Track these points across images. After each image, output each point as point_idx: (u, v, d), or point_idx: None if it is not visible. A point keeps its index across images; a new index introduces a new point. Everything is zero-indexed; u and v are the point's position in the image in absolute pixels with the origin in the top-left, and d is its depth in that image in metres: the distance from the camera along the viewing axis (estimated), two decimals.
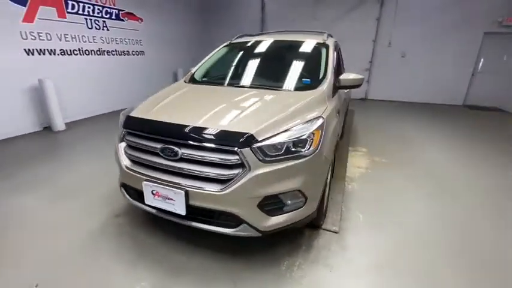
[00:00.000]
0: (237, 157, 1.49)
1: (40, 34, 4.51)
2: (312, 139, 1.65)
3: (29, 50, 4.38)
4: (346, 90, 3.22)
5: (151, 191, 1.65)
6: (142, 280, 1.69)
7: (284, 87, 2.27)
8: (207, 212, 1.59)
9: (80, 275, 1.73)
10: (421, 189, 2.87)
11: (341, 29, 7.78)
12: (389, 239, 2.11)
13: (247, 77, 2.55)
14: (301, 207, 1.68)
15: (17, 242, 2.04)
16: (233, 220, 1.57)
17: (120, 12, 5.96)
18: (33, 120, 4.56)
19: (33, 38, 4.42)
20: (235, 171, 1.51)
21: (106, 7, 5.62)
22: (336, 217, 2.35)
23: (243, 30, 7.70)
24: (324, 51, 2.68)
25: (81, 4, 5.10)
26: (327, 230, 2.18)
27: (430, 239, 2.12)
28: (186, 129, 1.59)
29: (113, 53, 5.91)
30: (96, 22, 5.46)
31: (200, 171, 1.55)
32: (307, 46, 2.83)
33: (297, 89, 2.24)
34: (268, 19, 8.50)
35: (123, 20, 6.05)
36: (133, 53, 6.44)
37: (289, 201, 1.64)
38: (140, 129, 1.72)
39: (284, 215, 1.64)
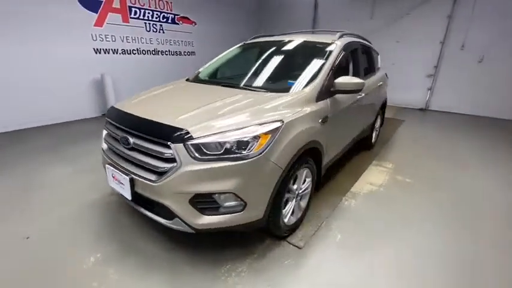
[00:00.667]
0: (171, 151, 1.53)
1: (107, 36, 5.41)
2: (256, 142, 1.58)
3: (96, 49, 5.31)
4: (361, 95, 2.88)
5: (111, 174, 1.84)
6: (98, 252, 1.90)
7: (264, 88, 2.20)
8: (150, 200, 1.69)
9: (57, 237, 2.05)
10: (438, 222, 2.36)
11: (402, 29, 6.94)
12: (355, 271, 1.82)
13: (237, 77, 2.56)
14: (240, 211, 1.62)
15: (28, 200, 2.53)
16: (167, 212, 1.62)
17: (176, 16, 6.64)
18: (94, 108, 5.52)
19: (101, 39, 5.33)
20: (170, 165, 1.56)
21: (163, 12, 6.34)
22: (309, 232, 2.16)
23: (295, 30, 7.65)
24: (324, 52, 2.48)
25: (142, 10, 5.89)
26: (290, 243, 2.03)
27: None
28: (137, 121, 1.72)
29: (166, 53, 6.63)
30: (154, 26, 6.21)
31: (143, 161, 1.66)
32: (309, 47, 2.66)
33: (276, 90, 2.13)
34: (320, 19, 8.17)
35: (177, 24, 6.72)
36: (185, 53, 7.09)
37: (225, 203, 1.60)
38: (112, 118, 1.94)
39: (220, 216, 1.61)
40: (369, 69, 3.58)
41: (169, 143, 1.53)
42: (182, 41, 6.96)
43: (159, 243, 2.00)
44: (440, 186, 2.98)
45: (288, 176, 1.81)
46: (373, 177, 3.20)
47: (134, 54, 5.96)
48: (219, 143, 1.54)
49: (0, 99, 4.31)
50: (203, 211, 1.59)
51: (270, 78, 2.38)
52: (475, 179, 3.19)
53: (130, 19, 5.71)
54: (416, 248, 2.03)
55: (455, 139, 4.69)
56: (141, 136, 1.67)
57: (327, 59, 2.38)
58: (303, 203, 2.22)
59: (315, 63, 2.36)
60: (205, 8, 7.26)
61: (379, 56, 4.16)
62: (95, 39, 5.23)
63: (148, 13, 6.02)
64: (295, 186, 2.01)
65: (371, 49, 3.66)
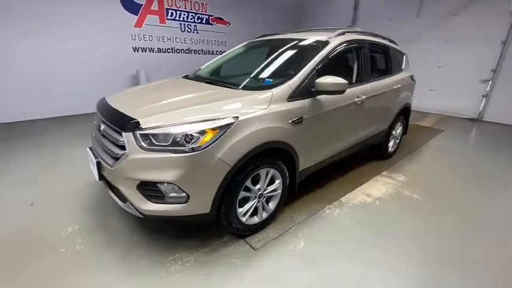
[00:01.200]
0: (123, 139, 1.66)
1: (145, 36, 5.96)
2: (201, 137, 1.60)
3: (135, 47, 5.89)
4: (360, 97, 2.65)
5: (89, 157, 2.06)
6: (77, 224, 2.15)
7: (241, 86, 2.19)
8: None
9: (51, 207, 2.37)
10: (422, 267, 2.02)
11: (452, 27, 6.12)
12: (297, 283, 1.70)
13: (227, 75, 2.60)
14: (184, 202, 1.66)
15: (43, 175, 2.96)
16: (121, 195, 1.76)
17: (210, 17, 6.96)
18: None
19: (139, 39, 5.90)
20: (122, 152, 1.68)
21: (198, 13, 6.71)
22: (272, 235, 2.10)
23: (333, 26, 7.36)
24: (313, 51, 2.36)
25: (178, 12, 6.33)
26: (247, 243, 2.00)
27: None
28: (108, 110, 1.90)
29: (199, 52, 7.01)
30: (188, 26, 6.62)
31: (106, 146, 1.82)
32: (302, 45, 2.56)
33: (251, 88, 2.11)
34: (360, 18, 7.67)
35: (211, 24, 7.04)
36: (217, 52, 7.38)
37: (169, 193, 1.66)
38: (96, 106, 2.17)
39: (165, 205, 1.67)
40: (383, 70, 3.27)
41: (121, 131, 1.66)
42: (215, 41, 7.26)
43: (128, 224, 2.17)
44: (455, 212, 2.55)
45: (242, 174, 1.79)
46: (374, 189, 2.92)
47: (169, 52, 6.44)
48: (166, 134, 1.61)
49: (51, 89, 5.11)
50: (149, 198, 1.68)
51: (253, 76, 2.37)
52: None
53: (166, 20, 6.20)
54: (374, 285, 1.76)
55: (505, 159, 3.97)
56: (106, 123, 1.85)
57: (312, 57, 2.27)
58: (272, 205, 2.17)
59: (298, 62, 2.27)
60: (240, 8, 7.44)
61: (404, 57, 3.76)
62: (134, 38, 5.82)
63: (184, 14, 6.44)
64: (257, 186, 1.97)
65: (388, 48, 3.33)
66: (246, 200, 1.98)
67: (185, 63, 6.80)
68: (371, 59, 2.95)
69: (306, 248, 1.99)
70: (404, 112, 3.76)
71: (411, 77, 3.78)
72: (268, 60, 2.53)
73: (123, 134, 1.65)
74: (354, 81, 2.74)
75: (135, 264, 1.79)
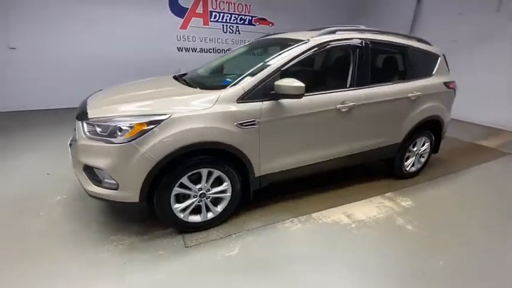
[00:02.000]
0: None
1: (188, 37, 6.49)
2: (129, 130, 1.71)
3: (179, 47, 6.48)
4: (346, 104, 2.35)
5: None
6: (65, 194, 2.56)
7: (202, 85, 2.20)
8: None
9: (63, 178, 2.85)
10: None
11: None
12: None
13: (200, 74, 2.62)
14: (116, 189, 1.81)
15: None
16: None
17: (253, 18, 7.08)
18: None
19: (184, 40, 6.46)
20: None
21: (241, 15, 6.92)
22: (211, 236, 2.08)
23: (391, 27, 6.58)
24: (286, 51, 2.21)
25: (221, 14, 6.67)
26: (183, 239, 2.03)
27: None
28: (82, 103, 2.18)
29: None
30: (231, 27, 6.90)
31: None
32: (282, 45, 2.41)
33: (208, 87, 2.12)
34: (423, 14, 6.62)
35: (254, 25, 7.16)
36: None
37: (104, 179, 1.83)
38: None
39: (102, 188, 1.85)
40: (394, 74, 2.80)
41: (77, 119, 1.91)
42: None
43: (102, 203, 2.45)
44: (450, 258, 2.02)
45: (174, 170, 1.83)
46: (361, 210, 2.54)
47: (210, 52, 6.85)
48: (104, 125, 1.77)
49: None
50: (92, 180, 1.88)
51: (222, 76, 2.37)
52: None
53: (210, 22, 6.60)
54: None
55: None
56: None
57: (279, 57, 2.13)
58: (219, 207, 2.14)
59: (264, 62, 2.16)
60: (284, 8, 7.34)
61: (439, 60, 3.11)
62: (179, 39, 6.41)
63: (227, 16, 6.75)
64: (198, 186, 1.98)
65: (406, 49, 2.81)
66: (187, 197, 2.01)
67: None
68: (373, 61, 2.57)
69: (237, 256, 1.90)
70: (431, 126, 3.12)
71: (446, 84, 3.11)
72: (245, 61, 2.49)
73: (77, 122, 1.90)
74: (344, 84, 2.44)
75: (84, 238, 2.02)
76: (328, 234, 2.20)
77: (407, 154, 3.09)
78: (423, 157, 3.28)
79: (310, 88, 2.33)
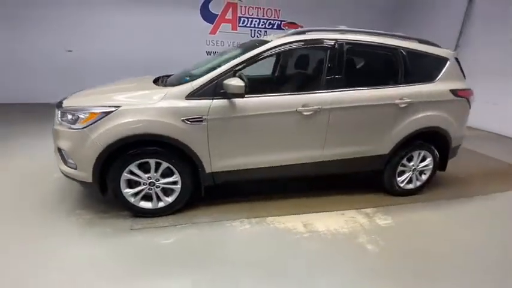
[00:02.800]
0: None
1: (217, 41, 6.86)
2: (84, 118, 1.96)
3: (208, 51, 6.88)
4: (308, 107, 2.24)
5: None
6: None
7: (169, 84, 2.35)
8: None
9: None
10: None
11: None
12: (109, 274, 1.77)
13: (178, 74, 2.76)
14: (75, 169, 2.09)
15: None
16: None
17: (282, 22, 7.10)
18: None
19: (212, 44, 6.85)
20: None
21: (270, 19, 7.01)
22: (159, 224, 2.21)
23: (437, 31, 5.98)
24: (247, 51, 2.25)
25: (250, 19, 6.87)
26: (132, 222, 2.20)
27: None
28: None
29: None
30: (259, 32, 7.05)
31: None
32: (251, 47, 2.42)
33: (167, 84, 2.29)
34: (475, 15, 5.72)
35: (283, 29, 7.16)
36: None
37: (68, 159, 2.12)
38: None
39: (68, 167, 2.14)
40: (381, 77, 2.54)
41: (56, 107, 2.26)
42: None
43: None
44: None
45: (122, 157, 2.02)
46: (324, 221, 2.37)
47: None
48: (70, 113, 2.06)
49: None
50: (62, 160, 2.20)
51: (188, 76, 2.47)
52: None
53: (238, 27, 6.87)
54: None
55: None
56: None
57: (234, 58, 2.18)
58: (170, 198, 2.26)
59: (221, 63, 2.22)
60: (315, 12, 7.17)
61: (448, 63, 2.70)
62: (208, 44, 6.82)
63: (255, 21, 6.92)
64: (147, 175, 2.14)
65: (397, 51, 2.50)
66: (138, 184, 2.18)
67: (252, 67, 7.28)
68: (350, 63, 2.39)
69: (170, 245, 2.00)
70: (433, 139, 2.72)
71: (455, 91, 2.67)
72: (216, 61, 2.57)
73: (56, 110, 2.24)
74: (309, 87, 2.34)
75: (56, 209, 2.34)
76: (271, 239, 2.12)
77: (400, 168, 2.75)
78: (424, 174, 2.87)
79: (268, 89, 2.30)
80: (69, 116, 2.03)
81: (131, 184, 2.17)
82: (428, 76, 2.66)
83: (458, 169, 3.60)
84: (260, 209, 2.50)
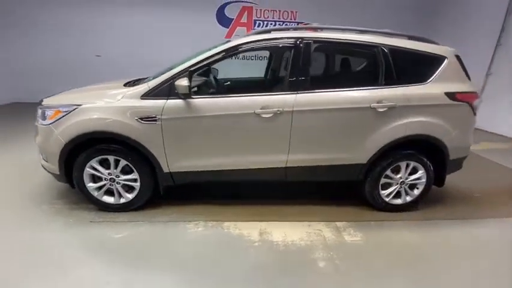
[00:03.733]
0: None
1: None
2: (50, 115, 2.13)
3: None
4: (269, 109, 2.13)
5: None
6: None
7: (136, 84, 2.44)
8: None
9: None
10: None
11: None
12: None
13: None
14: (47, 162, 2.27)
15: None
16: None
17: (299, 24, 6.91)
18: None
19: None
20: None
21: (286, 22, 6.88)
22: (119, 219, 2.28)
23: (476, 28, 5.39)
24: (206, 51, 2.23)
25: (265, 22, 6.83)
26: (95, 215, 2.31)
27: None
28: None
29: None
30: None
31: None
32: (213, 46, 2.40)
33: (130, 84, 2.38)
34: None
35: None
36: None
37: (42, 153, 2.31)
38: None
39: (43, 160, 2.34)
40: (357, 78, 2.30)
41: None
42: None
43: None
44: None
45: (84, 153, 2.14)
46: (284, 231, 2.23)
47: (252, 59, 7.10)
48: (43, 110, 2.24)
49: None
50: (42, 156, 2.41)
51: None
52: None
53: (253, 30, 6.88)
54: None
55: None
56: None
57: (192, 58, 2.17)
58: (131, 195, 2.32)
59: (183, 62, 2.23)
60: (335, 12, 6.85)
61: (445, 62, 2.34)
62: None
63: (271, 24, 6.86)
64: (107, 171, 2.24)
65: (376, 49, 2.24)
66: (101, 179, 2.29)
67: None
68: (319, 63, 2.21)
69: (118, 239, 2.05)
70: (424, 149, 2.38)
71: (452, 95, 2.30)
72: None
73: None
74: (269, 88, 2.23)
75: (35, 197, 2.56)
76: (217, 245, 2.05)
77: (384, 180, 2.46)
78: (417, 188, 2.52)
79: (226, 90, 2.24)
80: (41, 113, 2.23)
81: (95, 179, 2.29)
82: (419, 77, 2.34)
83: (477, 185, 3.12)
84: (221, 212, 2.44)
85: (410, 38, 2.40)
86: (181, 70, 2.12)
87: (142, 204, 2.40)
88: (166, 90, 2.11)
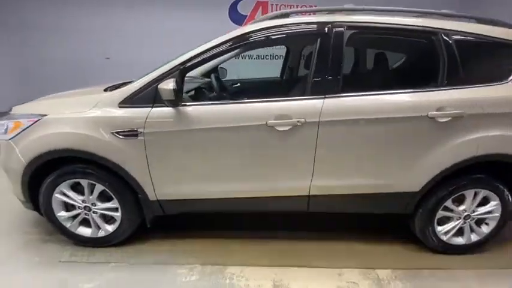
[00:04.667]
0: None
1: None
2: (11, 128, 1.69)
3: None
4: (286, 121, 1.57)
5: None
6: None
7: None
8: None
9: None
10: None
11: None
12: None
13: None
14: (12, 185, 1.84)
15: None
16: None
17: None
18: None
19: None
20: None
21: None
22: (92, 258, 1.81)
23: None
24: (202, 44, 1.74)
25: None
26: (64, 253, 1.85)
27: None
28: None
29: None
30: None
31: None
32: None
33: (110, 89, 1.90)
34: None
35: None
36: None
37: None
38: None
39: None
40: (408, 77, 1.69)
41: None
42: None
43: None
44: None
45: (51, 175, 1.69)
46: (306, 283, 1.66)
47: (266, 59, 6.58)
48: (4, 120, 1.82)
49: None
50: None
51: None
52: None
53: None
54: None
55: None
56: None
57: (183, 54, 1.66)
58: (110, 227, 1.84)
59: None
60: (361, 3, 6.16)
61: None
62: None
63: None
64: (82, 197, 1.77)
65: (438, 37, 1.61)
66: (73, 206, 1.83)
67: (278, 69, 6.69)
68: (356, 57, 1.63)
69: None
70: (503, 172, 1.72)
71: None
72: None
73: None
74: (287, 91, 1.68)
75: (9, 225, 2.18)
76: None
77: (441, 213, 1.82)
78: (486, 224, 1.86)
79: (228, 94, 1.74)
80: (2, 125, 1.80)
81: (68, 207, 1.84)
82: (495, 74, 1.68)
83: None
84: (224, 250, 1.90)
85: (480, 21, 1.75)
86: (169, 69, 1.61)
87: (128, 237, 1.92)
88: (150, 95, 1.60)
